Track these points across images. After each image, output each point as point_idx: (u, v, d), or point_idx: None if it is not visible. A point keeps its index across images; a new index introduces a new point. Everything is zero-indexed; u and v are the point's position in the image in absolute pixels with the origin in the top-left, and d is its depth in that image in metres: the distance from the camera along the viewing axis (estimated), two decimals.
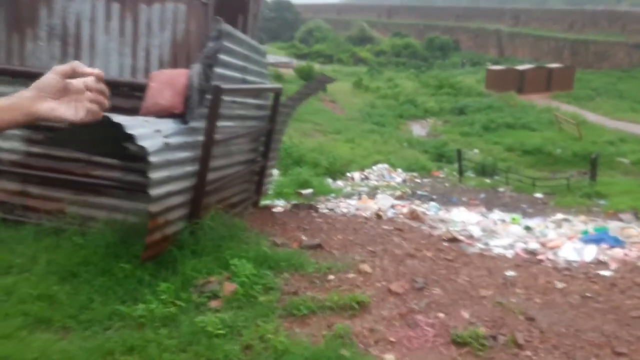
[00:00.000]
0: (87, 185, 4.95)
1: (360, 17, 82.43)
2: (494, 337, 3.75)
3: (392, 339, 3.72)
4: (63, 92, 1.03)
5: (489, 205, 15.67)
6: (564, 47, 54.04)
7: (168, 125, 4.30)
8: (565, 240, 6.34)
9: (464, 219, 7.69)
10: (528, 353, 3.60)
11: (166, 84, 4.41)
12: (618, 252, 5.90)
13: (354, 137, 29.16)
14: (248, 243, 4.87)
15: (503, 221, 8.35)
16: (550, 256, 5.78)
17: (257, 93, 5.98)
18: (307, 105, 36.09)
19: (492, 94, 41.51)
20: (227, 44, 4.76)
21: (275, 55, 60.05)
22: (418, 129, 35.68)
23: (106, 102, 1.08)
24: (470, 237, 6.66)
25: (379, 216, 7.23)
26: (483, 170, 21.54)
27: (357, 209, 8.08)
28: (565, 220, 8.98)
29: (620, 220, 12.79)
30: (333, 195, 16.42)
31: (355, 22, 78.57)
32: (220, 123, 5.16)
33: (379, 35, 76.20)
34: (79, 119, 1.04)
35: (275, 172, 19.13)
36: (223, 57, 4.75)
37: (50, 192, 4.97)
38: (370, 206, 8.22)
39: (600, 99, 39.16)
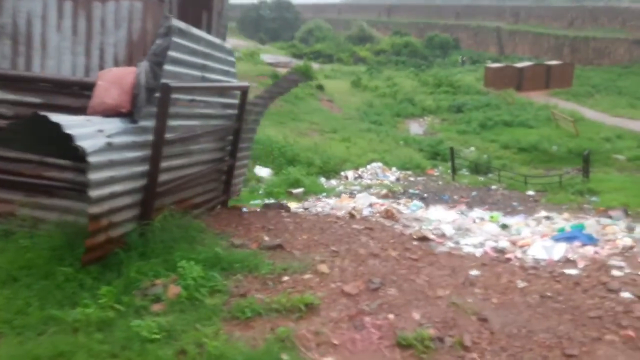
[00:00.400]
0: (39, 186, 4.86)
1: (360, 16, 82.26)
2: (441, 339, 3.63)
3: (335, 341, 3.61)
4: None
5: (480, 203, 15.56)
6: (564, 44, 53.81)
7: (113, 124, 4.20)
8: (537, 238, 6.21)
9: (440, 218, 7.57)
10: (474, 355, 3.49)
11: (113, 82, 4.31)
12: (589, 250, 5.77)
13: (350, 136, 29.07)
14: (203, 244, 4.77)
15: (482, 219, 8.23)
16: (519, 255, 5.65)
17: (219, 91, 5.87)
18: (304, 104, 36.19)
19: (490, 92, 41.34)
20: (178, 40, 4.65)
21: (274, 55, 60.10)
22: (415, 128, 35.55)
23: None
24: (442, 235, 6.54)
25: (352, 215, 7.11)
26: (477, 168, 21.37)
27: (332, 208, 7.96)
28: (547, 218, 8.85)
29: (610, 217, 12.66)
30: (324, 194, 16.38)
31: (355, 21, 78.40)
32: (177, 122, 5.07)
33: (379, 35, 76.02)
34: None
35: (267, 171, 19.19)
36: (175, 54, 4.65)
37: (0, 194, 4.87)
38: (346, 205, 8.11)
39: (599, 95, 38.96)
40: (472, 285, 4.59)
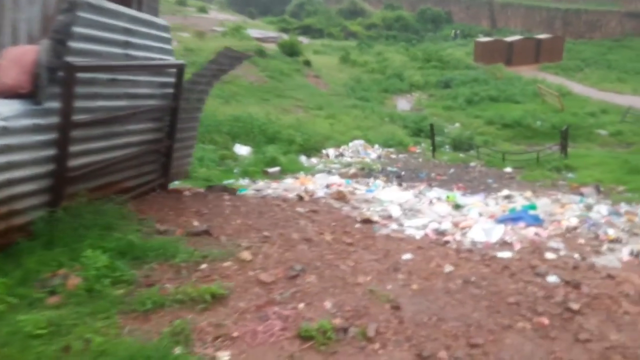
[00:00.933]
0: None
1: None
2: (345, 330, 3.48)
3: (235, 334, 3.46)
4: None
5: (457, 180, 15.42)
6: (556, 16, 53.17)
7: (10, 106, 3.97)
8: (482, 219, 6.05)
9: (393, 198, 7.39)
10: (375, 346, 3.34)
11: (14, 61, 4.07)
12: (530, 231, 5.62)
13: (335, 112, 28.74)
14: (121, 231, 4.58)
15: (438, 199, 8.06)
16: (458, 237, 5.50)
17: (147, 70, 5.62)
18: (289, 80, 35.75)
19: (480, 67, 40.91)
20: (88, 16, 4.40)
21: (263, 30, 59.22)
22: (403, 104, 35.23)
23: None
24: (389, 217, 6.38)
25: (300, 197, 6.93)
26: (458, 145, 21.17)
27: (285, 190, 7.75)
28: (507, 197, 8.69)
29: (581, 194, 12.55)
30: (302, 173, 16.19)
31: None
32: (96, 103, 4.84)
33: (371, 8, 74.88)
34: None
35: (247, 149, 18.94)
36: (85, 31, 4.40)
37: None
38: (299, 187, 7.92)
39: (588, 69, 38.64)
40: (396, 271, 4.43)
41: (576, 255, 4.94)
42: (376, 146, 22.31)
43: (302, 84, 35.05)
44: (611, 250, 5.14)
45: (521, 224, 5.99)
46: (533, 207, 6.99)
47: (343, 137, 23.02)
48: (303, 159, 19.25)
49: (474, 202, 7.84)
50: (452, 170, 17.16)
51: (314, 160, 19.44)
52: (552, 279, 4.27)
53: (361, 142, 22.25)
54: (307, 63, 39.48)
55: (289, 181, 8.91)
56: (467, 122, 27.70)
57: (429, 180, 14.95)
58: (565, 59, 41.44)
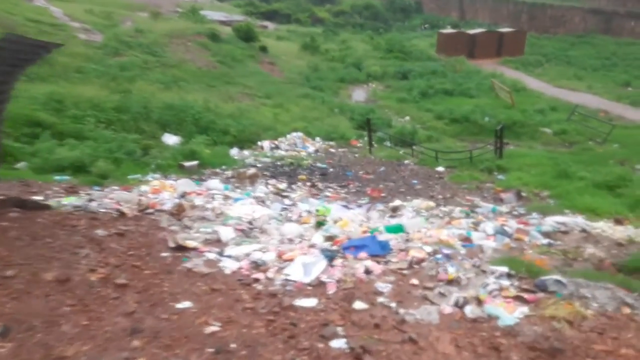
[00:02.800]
0: None
1: None
2: None
3: None
4: None
5: (382, 180, 14.59)
6: (522, 10, 52.80)
7: None
8: (307, 250, 5.11)
9: (244, 214, 6.42)
10: None
11: None
12: (365, 265, 4.70)
13: (283, 102, 27.66)
14: None
15: (309, 212, 7.11)
16: (271, 274, 4.54)
17: None
18: (241, 67, 34.45)
19: (441, 59, 40.18)
20: None
21: (227, 13, 57.54)
22: (359, 94, 34.25)
23: None
24: (217, 241, 5.39)
25: (122, 213, 5.89)
26: (393, 141, 20.34)
27: (118, 202, 6.66)
28: (395, 209, 7.79)
29: (501, 200, 11.81)
30: (224, 167, 15.18)
31: None
32: None
33: None
34: None
35: (176, 139, 17.75)
36: None
37: None
38: (136, 197, 6.83)
39: (548, 65, 38.24)
40: (136, 334, 3.44)
41: (393, 305, 4.03)
42: (317, 139, 21.38)
43: (255, 70, 33.75)
44: (442, 295, 4.24)
45: (363, 254, 5.08)
46: (397, 229, 6.08)
47: (285, 128, 22.02)
48: (235, 151, 18.20)
49: (351, 217, 6.91)
50: (382, 169, 16.32)
51: (246, 152, 18.43)
52: (337, 344, 3.36)
53: (300, 134, 21.28)
54: (263, 49, 38.10)
55: (144, 188, 7.82)
56: (417, 116, 26.93)
57: (351, 181, 14.11)
58: (528, 54, 40.98)
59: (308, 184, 12.73)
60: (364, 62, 39.99)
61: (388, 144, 20.94)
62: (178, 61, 30.53)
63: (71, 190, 9.27)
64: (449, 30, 47.11)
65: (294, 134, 21.26)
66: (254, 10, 64.20)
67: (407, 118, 27.06)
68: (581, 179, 12.73)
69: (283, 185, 10.67)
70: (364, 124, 25.14)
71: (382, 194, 12.19)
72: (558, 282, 4.39)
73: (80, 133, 14.92)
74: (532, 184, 13.08)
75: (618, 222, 9.44)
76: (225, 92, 28.02)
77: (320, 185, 12.81)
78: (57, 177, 10.91)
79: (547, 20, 49.67)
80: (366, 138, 22.69)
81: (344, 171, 15.90)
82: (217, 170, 14.55)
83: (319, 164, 16.70)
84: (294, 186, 11.53)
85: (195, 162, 14.81)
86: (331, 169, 16.08)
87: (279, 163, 16.62)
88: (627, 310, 4.04)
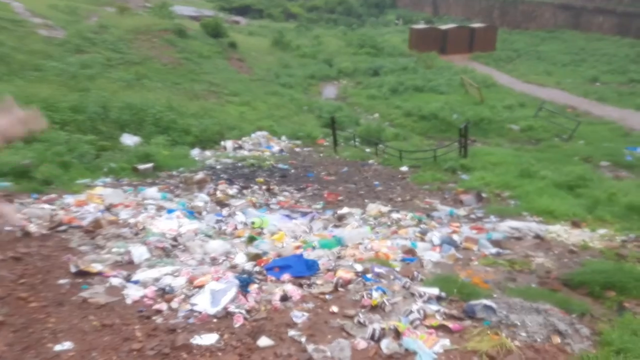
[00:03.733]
0: None
1: None
2: None
3: None
4: None
5: (342, 182, 14.21)
6: (494, 6, 53.00)
7: None
8: (222, 273, 4.66)
9: (168, 229, 5.94)
10: None
11: None
12: (286, 289, 4.28)
13: (250, 100, 27.14)
14: None
15: (245, 225, 6.67)
16: (176, 304, 4.09)
17: None
18: (208, 63, 33.74)
19: (414, 54, 40.01)
20: None
21: (197, 8, 56.64)
22: (329, 91, 33.89)
23: None
24: (129, 263, 4.91)
25: (26, 232, 5.36)
26: (367, 139, 19.96)
27: (28, 218, 6.01)
28: (341, 217, 7.40)
29: (461, 202, 11.53)
30: (181, 169, 14.65)
31: None
32: None
33: None
34: None
35: (136, 140, 17.10)
36: None
37: None
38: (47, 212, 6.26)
39: (519, 60, 38.34)
40: None
41: (303, 339, 3.62)
42: (283, 138, 20.94)
43: (222, 67, 33.08)
44: (360, 326, 3.85)
45: (286, 275, 4.66)
46: (331, 243, 5.68)
47: (250, 127, 21.53)
48: (196, 152, 17.68)
49: (285, 230, 6.47)
50: (345, 169, 15.93)
51: (208, 153, 17.92)
52: None
53: (264, 133, 20.82)
54: (233, 45, 37.45)
55: (68, 200, 7.25)
56: (386, 113, 26.67)
57: (311, 183, 13.70)
58: (499, 49, 41.06)
59: (264, 187, 12.27)
60: (336, 59, 39.64)
61: (356, 142, 20.56)
62: (142, 58, 29.74)
63: (6, 200, 8.68)
64: (421, 25, 47.02)
65: (259, 133, 20.82)
66: (227, 6, 63.41)
67: (376, 115, 26.78)
68: (542, 178, 12.52)
69: (233, 191, 10.18)
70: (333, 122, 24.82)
71: (340, 198, 11.80)
72: (487, 307, 4.03)
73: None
74: (494, 184, 12.83)
75: (575, 225, 9.21)
76: (191, 90, 27.37)
77: (276, 188, 12.37)
78: None
79: (518, 15, 49.92)
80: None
81: (305, 172, 15.48)
82: (174, 172, 14.02)
83: (280, 165, 16.25)
84: (245, 191, 11.05)
85: (150, 165, 14.22)
86: (293, 170, 15.64)
87: (239, 164, 16.14)
88: (557, 340, 3.70)
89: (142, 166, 13.83)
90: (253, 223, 6.68)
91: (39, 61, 22.81)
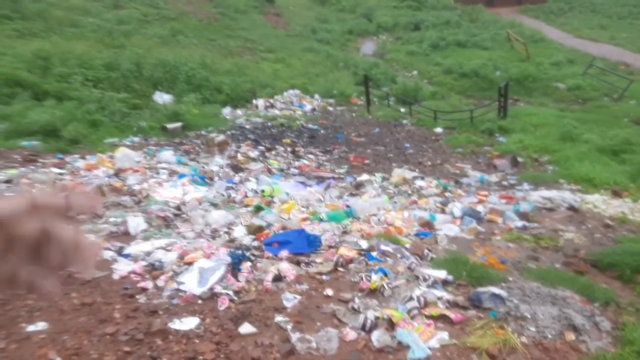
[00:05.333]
0: None
1: None
2: None
3: None
4: None
5: (373, 144, 13.76)
6: None
7: None
8: (215, 248, 4.41)
9: (172, 197, 5.73)
10: None
11: None
12: (281, 269, 4.02)
13: (285, 56, 26.62)
14: None
15: (255, 193, 6.41)
16: (162, 282, 3.89)
17: None
18: (244, 19, 33.16)
19: (458, 8, 38.16)
20: None
21: None
22: (368, 47, 32.86)
23: None
24: (125, 234, 4.75)
25: None
26: (403, 98, 19.24)
27: (32, 183, 5.92)
28: (358, 187, 7.04)
29: (494, 167, 10.96)
30: (210, 128, 14.57)
31: None
32: None
33: None
34: None
35: (169, 98, 17.05)
36: None
37: None
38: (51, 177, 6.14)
39: (571, 13, 36.08)
40: None
41: (290, 326, 3.36)
42: (315, 96, 20.48)
43: (258, 22, 32.48)
44: (354, 313, 3.55)
45: (284, 252, 4.39)
46: (340, 216, 5.35)
47: (284, 85, 21.14)
48: (227, 110, 17.52)
49: (297, 199, 6.18)
50: (376, 130, 15.43)
51: (239, 112, 17.74)
52: None
53: (297, 91, 20.40)
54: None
55: (78, 164, 7.13)
56: (425, 70, 25.66)
57: (339, 145, 13.31)
58: (551, 1, 38.69)
59: (289, 149, 11.97)
60: (376, 12, 38.23)
61: (389, 102, 19.88)
62: (178, 13, 29.47)
63: (30, 159, 8.71)
64: None
65: (291, 91, 20.41)
66: None
67: (415, 73, 25.81)
68: (585, 142, 11.71)
69: (255, 153, 9.92)
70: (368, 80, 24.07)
71: (366, 161, 11.40)
72: (495, 296, 3.65)
73: (64, 93, 14.19)
74: (533, 148, 12.12)
75: (616, 194, 8.56)
76: (225, 46, 27.02)
77: (302, 150, 12.04)
78: (24, 143, 10.33)
79: None
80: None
81: (335, 133, 15.07)
82: (202, 132, 13.91)
83: (310, 125, 15.88)
84: (269, 153, 10.77)
85: (179, 124, 14.13)
86: (322, 131, 15.26)
87: (269, 124, 15.89)
88: (570, 337, 3.30)
89: (171, 125, 13.74)
90: (263, 191, 6.41)
91: (77, 17, 22.84)
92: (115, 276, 4.01)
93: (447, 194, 7.81)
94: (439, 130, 15.05)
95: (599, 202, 7.93)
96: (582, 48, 26.40)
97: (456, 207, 6.42)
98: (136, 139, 12.18)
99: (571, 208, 7.33)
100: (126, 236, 4.78)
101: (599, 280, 4.68)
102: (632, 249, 4.96)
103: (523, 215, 6.64)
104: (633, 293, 4.48)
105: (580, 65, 22.91)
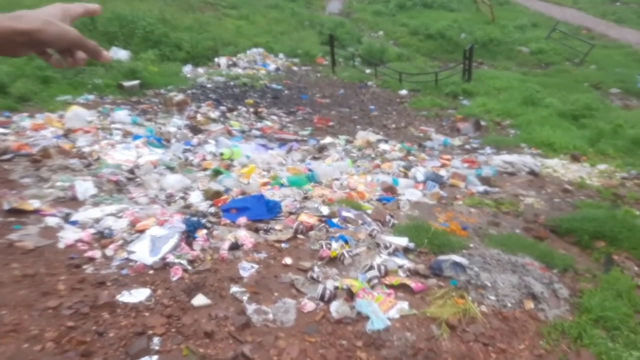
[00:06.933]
0: None
1: None
2: None
3: None
4: None
5: (337, 105, 13.55)
6: None
7: None
8: (169, 215, 4.21)
9: (125, 160, 5.44)
10: None
11: None
12: (237, 235, 3.86)
13: (249, 13, 25.75)
14: None
15: (214, 156, 6.16)
16: (111, 251, 3.68)
17: None
18: None
19: None
20: None
21: None
22: (334, 5, 32.18)
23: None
24: (73, 200, 4.48)
25: None
26: (369, 59, 18.94)
27: None
28: (321, 150, 6.87)
29: (458, 131, 10.96)
30: (170, 87, 14.08)
31: None
32: None
33: None
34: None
35: (125, 54, 16.28)
36: None
37: None
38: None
39: None
40: None
41: (245, 297, 3.23)
42: (280, 55, 20.00)
43: None
44: (313, 282, 3.45)
45: (242, 219, 4.22)
46: (301, 181, 5.19)
47: (247, 43, 20.51)
48: (188, 68, 16.96)
49: (257, 162, 5.97)
50: (341, 92, 15.20)
51: (200, 70, 17.20)
52: None
53: (261, 50, 19.85)
54: None
55: (24, 123, 6.71)
56: (391, 31, 25.30)
57: (303, 106, 13.04)
58: None
59: (252, 110, 11.66)
60: None
61: (354, 62, 19.56)
62: None
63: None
64: None
65: (255, 49, 19.87)
66: None
67: (381, 33, 25.44)
68: (546, 106, 11.80)
69: (216, 114, 9.59)
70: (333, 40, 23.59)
71: (330, 123, 11.21)
72: (456, 265, 3.60)
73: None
74: (495, 111, 12.17)
75: (575, 158, 8.67)
76: (186, 1, 25.93)
77: (265, 111, 11.74)
78: None
79: None
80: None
81: (299, 93, 14.78)
82: (162, 91, 13.42)
83: (274, 85, 15.53)
84: (231, 114, 10.45)
85: (136, 82, 13.58)
86: (286, 91, 14.94)
87: (231, 83, 15.48)
88: (529, 305, 3.29)
89: (128, 83, 13.18)
90: (222, 154, 6.16)
91: None
92: (61, 245, 3.78)
93: (410, 157, 7.73)
94: (404, 92, 14.93)
95: (559, 167, 8.02)
96: (546, 12, 26.48)
97: (419, 172, 6.35)
98: (91, 97, 11.67)
99: (532, 172, 7.38)
100: (74, 202, 4.52)
101: (558, 246, 4.71)
102: (589, 215, 5.00)
103: (485, 180, 6.63)
104: (590, 259, 4.52)
105: (544, 29, 23.00)
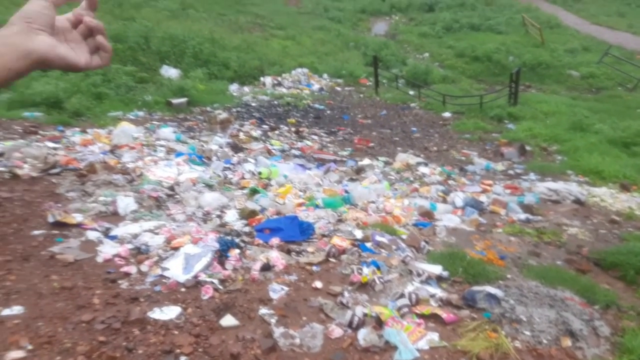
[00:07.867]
0: None
1: None
2: None
3: None
4: (52, 28, 0.73)
5: (378, 126, 13.52)
6: None
7: None
8: (204, 233, 4.27)
9: (166, 177, 5.57)
10: None
11: None
12: (271, 258, 3.88)
13: (295, 34, 26.24)
14: None
15: (253, 174, 6.24)
16: (146, 267, 3.77)
17: None
18: None
19: None
20: None
21: None
22: (380, 27, 32.34)
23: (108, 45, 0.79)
24: (114, 214, 4.62)
25: (15, 175, 5.12)
26: (412, 81, 18.89)
27: (24, 158, 5.76)
28: (358, 171, 6.85)
29: (502, 155, 10.74)
30: (216, 104, 14.42)
31: None
32: None
33: None
34: (89, 64, 0.77)
35: (176, 72, 16.84)
36: None
37: None
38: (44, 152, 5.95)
39: None
40: None
41: (274, 320, 3.23)
42: (324, 75, 20.21)
43: None
44: (342, 308, 3.41)
45: (275, 239, 4.24)
46: (337, 203, 5.18)
47: (292, 63, 20.86)
48: (234, 87, 17.33)
49: (295, 182, 6.01)
50: (383, 112, 15.18)
51: (246, 89, 17.54)
52: None
53: (305, 70, 20.10)
54: None
55: (74, 138, 6.98)
56: (437, 53, 25.19)
57: (345, 126, 13.08)
58: None
59: (293, 129, 11.77)
60: None
61: (398, 84, 19.54)
62: None
63: (31, 131, 8.58)
64: None
65: (300, 69, 20.13)
66: None
67: (426, 55, 25.36)
68: (595, 132, 11.41)
69: (258, 133, 9.73)
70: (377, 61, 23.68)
71: (371, 144, 11.18)
72: (491, 296, 3.49)
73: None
74: (542, 137, 11.85)
75: (624, 188, 8.33)
76: (235, 21, 26.68)
77: (306, 131, 11.83)
78: (26, 114, 10.20)
79: None
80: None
81: (341, 114, 14.85)
82: (208, 108, 13.76)
83: (317, 105, 15.66)
84: (272, 133, 10.58)
85: (184, 99, 13.98)
86: (328, 111, 15.04)
87: (275, 102, 15.71)
88: (567, 343, 3.14)
89: (176, 100, 13.58)
90: (260, 173, 6.24)
91: None
92: (99, 259, 3.88)
93: (450, 182, 7.61)
94: (447, 115, 14.77)
95: (606, 196, 7.71)
96: (599, 35, 25.78)
97: (458, 197, 6.24)
98: (140, 113, 12.06)
99: (577, 201, 7.13)
100: (115, 217, 4.65)
101: (601, 280, 4.50)
102: (637, 248, 4.77)
103: (527, 208, 6.44)
104: (635, 295, 4.31)
105: (596, 53, 22.38)
